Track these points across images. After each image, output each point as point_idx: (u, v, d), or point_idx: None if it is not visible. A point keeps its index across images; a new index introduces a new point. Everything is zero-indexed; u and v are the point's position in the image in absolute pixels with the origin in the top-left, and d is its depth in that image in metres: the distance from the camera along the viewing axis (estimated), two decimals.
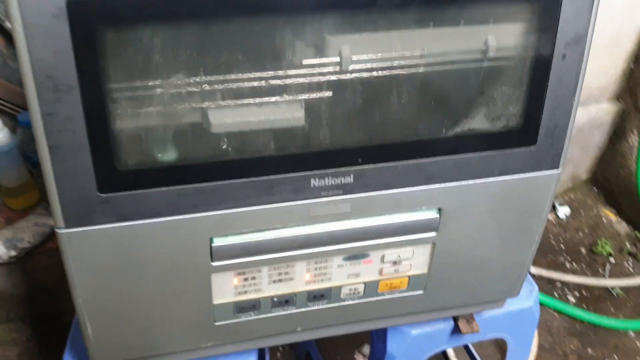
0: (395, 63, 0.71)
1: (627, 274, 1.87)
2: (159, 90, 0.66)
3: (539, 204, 0.85)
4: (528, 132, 0.78)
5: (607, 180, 2.08)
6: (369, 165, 0.74)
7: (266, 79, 0.69)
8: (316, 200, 0.75)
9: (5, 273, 1.39)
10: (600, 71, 1.84)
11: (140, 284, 0.76)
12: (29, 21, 0.57)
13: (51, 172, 0.65)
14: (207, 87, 0.68)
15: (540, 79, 0.74)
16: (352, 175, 0.75)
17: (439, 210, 0.81)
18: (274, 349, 1.59)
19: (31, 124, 0.63)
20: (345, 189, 0.75)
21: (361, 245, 0.82)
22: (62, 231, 0.69)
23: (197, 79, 0.67)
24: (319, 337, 0.95)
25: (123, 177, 0.68)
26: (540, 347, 1.64)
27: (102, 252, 0.72)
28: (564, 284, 1.83)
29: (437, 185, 0.79)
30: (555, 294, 1.80)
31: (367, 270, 0.86)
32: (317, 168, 0.73)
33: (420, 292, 0.90)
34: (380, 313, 0.92)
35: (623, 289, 1.82)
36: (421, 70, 0.72)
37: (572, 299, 1.78)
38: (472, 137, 0.77)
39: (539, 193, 0.84)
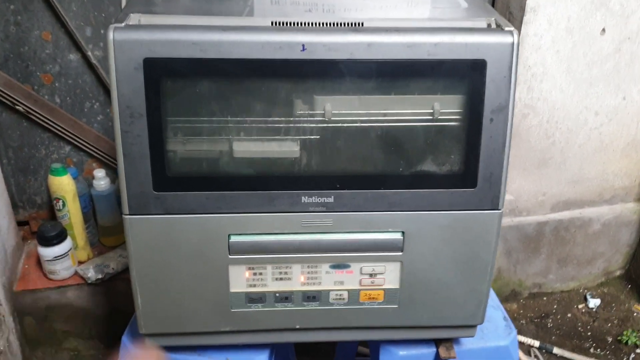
0: (365, 118, 1.01)
1: None
2: (200, 124, 0.99)
3: (486, 238, 1.08)
4: (468, 177, 1.03)
5: (639, 277, 2.20)
6: (345, 190, 1.03)
7: (273, 122, 1.00)
8: (306, 213, 1.04)
9: (92, 293, 1.73)
10: (621, 172, 2.02)
11: (175, 265, 1.06)
12: (119, 70, 0.92)
13: (123, 172, 0.98)
14: (232, 125, 1.00)
15: (474, 136, 1.01)
16: (332, 197, 1.03)
17: (403, 233, 1.07)
18: None
19: (114, 138, 0.97)
20: (328, 207, 1.03)
21: (342, 256, 1.08)
22: (127, 216, 1.01)
23: (226, 119, 0.99)
24: (315, 340, 1.20)
25: (171, 181, 1.00)
26: None
27: (151, 236, 1.03)
28: None
29: (399, 212, 1.05)
30: None
31: (350, 280, 1.11)
32: (307, 188, 1.02)
33: (395, 306, 1.14)
34: (363, 322, 1.16)
35: None
36: (384, 124, 1.01)
37: None
38: (424, 176, 1.03)
39: (484, 228, 1.07)
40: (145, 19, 0.97)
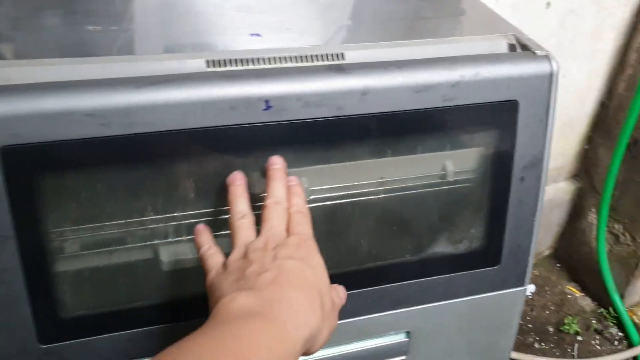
0: (355, 191, 0.69)
1: (595, 353, 1.86)
2: (103, 232, 0.63)
3: (507, 321, 0.83)
4: (491, 254, 0.76)
5: (569, 256, 2.09)
6: None
7: (219, 214, 0.66)
8: None
9: None
10: (555, 152, 1.85)
11: None
12: None
13: None
14: (155, 225, 0.64)
15: (500, 201, 0.73)
16: None
17: (408, 333, 0.78)
18: None
19: None
20: None
21: None
22: None
23: (146, 218, 0.63)
24: None
25: (66, 325, 0.63)
26: None
27: None
28: None
29: (404, 310, 0.76)
30: None
31: None
32: None
33: None
34: None
35: None
36: (381, 197, 0.70)
37: None
38: (436, 260, 0.74)
39: (506, 310, 0.81)
40: None
